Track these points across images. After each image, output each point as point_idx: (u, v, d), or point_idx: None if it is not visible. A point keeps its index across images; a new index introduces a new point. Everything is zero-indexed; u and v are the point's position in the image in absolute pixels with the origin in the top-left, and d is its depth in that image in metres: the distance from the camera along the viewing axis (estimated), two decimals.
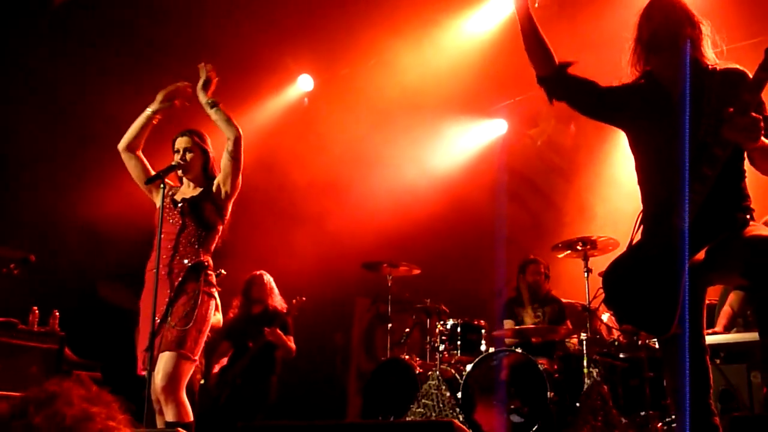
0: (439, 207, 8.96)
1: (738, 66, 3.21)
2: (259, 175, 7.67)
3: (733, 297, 6.03)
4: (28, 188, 7.45)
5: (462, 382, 6.25)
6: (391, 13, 7.78)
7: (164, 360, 4.30)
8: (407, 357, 6.92)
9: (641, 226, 3.30)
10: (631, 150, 3.46)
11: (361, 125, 9.05)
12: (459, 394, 6.21)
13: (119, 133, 4.85)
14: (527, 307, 7.22)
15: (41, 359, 6.05)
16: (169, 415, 4.28)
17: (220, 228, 4.74)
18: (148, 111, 4.79)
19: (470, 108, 9.49)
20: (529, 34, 3.46)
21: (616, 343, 6.28)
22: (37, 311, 6.38)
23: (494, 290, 8.33)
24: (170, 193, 4.74)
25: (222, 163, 4.71)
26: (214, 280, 4.68)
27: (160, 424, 4.35)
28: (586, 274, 6.48)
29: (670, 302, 3.00)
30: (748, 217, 3.14)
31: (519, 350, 6.30)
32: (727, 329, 5.91)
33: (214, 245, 4.73)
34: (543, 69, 3.51)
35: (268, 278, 7.38)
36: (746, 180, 3.23)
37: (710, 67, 3.23)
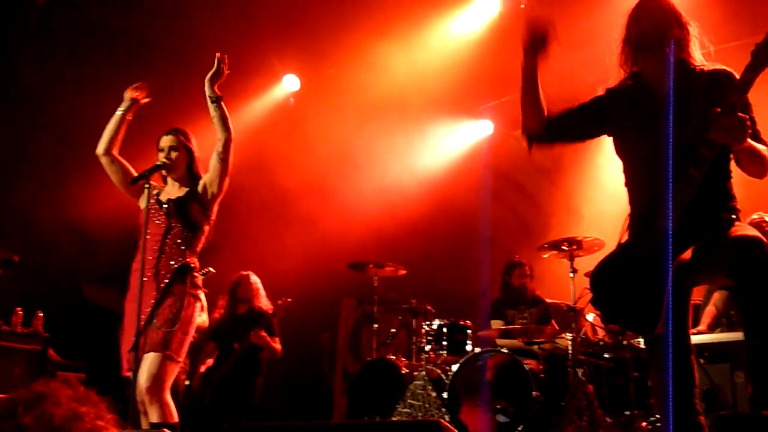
0: (425, 207, 8.97)
1: (725, 67, 3.23)
2: (245, 175, 7.62)
3: (717, 296, 6.07)
4: (10, 188, 7.40)
5: (448, 382, 6.25)
6: (377, 12, 7.78)
7: (149, 361, 4.28)
8: (393, 357, 6.92)
9: (629, 227, 3.32)
10: (618, 153, 3.48)
11: (347, 125, 9.05)
12: (445, 394, 6.20)
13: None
14: (514, 308, 7.25)
15: (25, 360, 6.03)
16: (154, 416, 4.26)
17: (206, 228, 4.72)
18: (119, 112, 4.78)
19: (456, 108, 9.50)
20: (530, 93, 3.46)
21: (601, 343, 6.31)
22: (20, 312, 6.35)
23: (480, 291, 8.34)
24: (155, 193, 4.71)
25: (211, 163, 4.68)
26: (200, 282, 4.66)
27: (144, 425, 4.33)
28: (571, 274, 6.50)
29: (656, 302, 3.02)
30: (733, 217, 3.17)
31: (505, 350, 6.31)
32: (711, 328, 5.94)
33: (200, 246, 4.71)
34: (532, 124, 3.52)
35: (254, 279, 7.36)
36: (732, 180, 3.26)
37: (697, 68, 3.25)
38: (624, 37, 3.38)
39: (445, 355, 6.68)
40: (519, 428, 5.87)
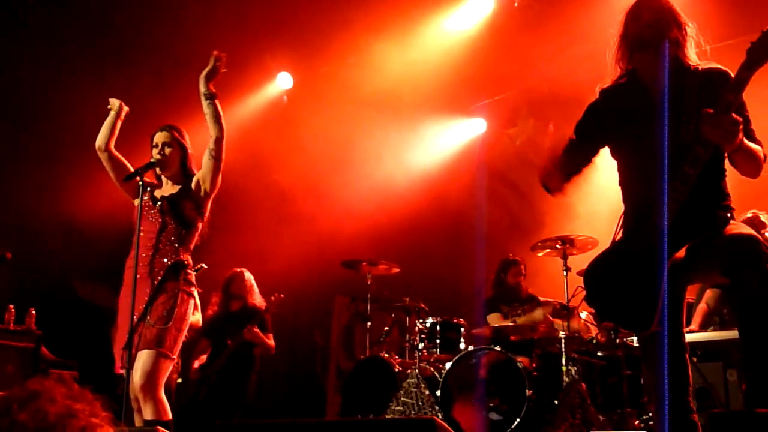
0: (418, 205, 8.97)
1: (720, 66, 3.24)
2: (238, 172, 7.64)
3: (709, 294, 6.07)
4: (3, 185, 7.37)
5: (441, 380, 6.26)
6: (370, 10, 7.78)
7: (143, 358, 4.27)
8: (386, 355, 6.92)
9: (623, 225, 3.32)
10: (612, 152, 3.49)
11: (340, 123, 9.04)
12: (438, 392, 6.21)
13: (97, 129, 4.80)
14: (508, 305, 7.26)
15: (18, 358, 6.01)
16: (148, 414, 4.26)
17: (200, 226, 4.71)
18: (112, 112, 4.79)
19: (449, 106, 9.52)
20: (561, 171, 3.55)
21: (595, 341, 6.32)
22: (13, 309, 6.33)
23: (473, 288, 8.35)
24: (149, 190, 4.70)
25: (203, 161, 4.67)
26: (193, 279, 4.65)
27: (138, 423, 4.33)
28: (565, 272, 6.52)
29: (651, 299, 3.03)
30: (728, 215, 3.17)
31: (498, 348, 6.32)
32: (702, 327, 5.95)
33: (194, 243, 4.70)
34: (555, 185, 3.66)
35: (248, 276, 7.35)
36: (726, 179, 3.26)
37: (692, 66, 3.26)
38: (622, 33, 3.38)
39: (438, 353, 6.69)
40: (512, 426, 5.88)
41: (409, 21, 8.24)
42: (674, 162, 3.06)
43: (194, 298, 4.67)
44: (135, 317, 4.31)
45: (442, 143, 9.88)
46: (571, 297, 6.32)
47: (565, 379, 5.98)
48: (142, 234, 4.50)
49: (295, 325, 8.84)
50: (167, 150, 4.70)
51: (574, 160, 3.54)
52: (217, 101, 4.63)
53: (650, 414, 5.47)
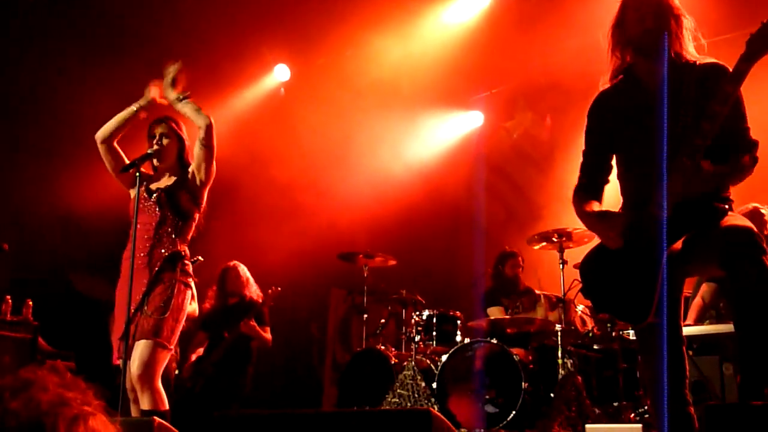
0: (416, 198, 8.97)
1: (718, 61, 3.23)
2: (235, 164, 7.63)
3: (705, 288, 6.07)
4: (1, 178, 7.36)
5: (437, 372, 6.27)
6: (368, 2, 7.77)
7: (140, 348, 4.27)
8: (383, 347, 6.93)
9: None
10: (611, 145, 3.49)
11: (338, 115, 9.03)
12: (434, 385, 6.22)
13: (94, 122, 4.78)
14: (507, 297, 7.27)
15: (14, 349, 6.01)
16: (145, 404, 4.26)
17: (197, 216, 4.71)
18: (134, 107, 4.74)
19: (447, 99, 9.51)
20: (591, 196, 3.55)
21: (591, 334, 6.32)
22: (10, 300, 6.33)
23: (470, 281, 8.36)
24: (145, 182, 4.69)
25: (195, 152, 4.66)
26: (190, 269, 4.65)
27: (134, 413, 4.33)
28: (561, 265, 6.52)
29: (648, 291, 3.03)
30: (726, 207, 3.17)
31: (494, 341, 6.32)
32: (697, 321, 5.96)
33: (191, 234, 4.70)
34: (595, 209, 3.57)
35: (243, 269, 7.34)
36: None
37: (690, 60, 3.25)
38: (616, 23, 3.36)
39: (435, 345, 6.70)
40: (508, 418, 5.89)
41: (406, 13, 8.24)
42: (672, 154, 3.06)
43: (191, 288, 4.68)
44: (132, 308, 4.32)
45: (439, 136, 9.88)
46: (567, 290, 6.32)
47: (561, 371, 5.99)
48: (139, 226, 4.49)
49: (292, 317, 8.84)
50: (165, 140, 4.69)
51: (596, 176, 3.55)
52: (189, 99, 4.62)
53: (646, 407, 5.48)
